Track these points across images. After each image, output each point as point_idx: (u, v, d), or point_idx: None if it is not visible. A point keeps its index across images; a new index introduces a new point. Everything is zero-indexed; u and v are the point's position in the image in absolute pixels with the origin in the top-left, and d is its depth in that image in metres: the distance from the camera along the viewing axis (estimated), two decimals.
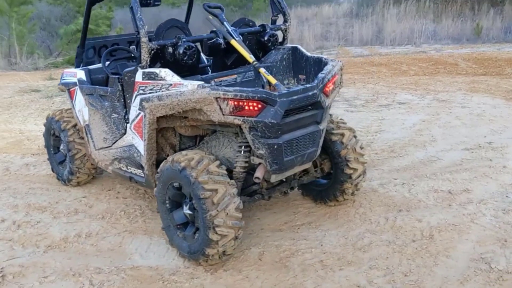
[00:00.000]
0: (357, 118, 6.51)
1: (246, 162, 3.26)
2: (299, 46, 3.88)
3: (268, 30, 3.87)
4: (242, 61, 3.86)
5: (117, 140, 3.80)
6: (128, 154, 3.73)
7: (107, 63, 4.03)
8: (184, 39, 3.37)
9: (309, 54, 3.79)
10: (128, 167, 3.84)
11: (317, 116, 3.21)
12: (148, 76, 3.22)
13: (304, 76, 3.84)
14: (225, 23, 3.65)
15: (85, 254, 3.41)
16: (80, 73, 4.21)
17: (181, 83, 3.05)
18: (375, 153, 5.15)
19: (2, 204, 4.30)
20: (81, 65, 4.44)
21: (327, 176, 3.88)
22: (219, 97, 2.91)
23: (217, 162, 3.13)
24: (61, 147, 4.66)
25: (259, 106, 2.91)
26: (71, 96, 4.34)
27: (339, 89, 3.53)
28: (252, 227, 3.72)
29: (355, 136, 3.75)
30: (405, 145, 5.37)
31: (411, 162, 4.87)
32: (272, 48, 3.91)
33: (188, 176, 3.02)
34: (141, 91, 3.29)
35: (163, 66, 3.37)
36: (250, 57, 3.49)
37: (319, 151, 3.37)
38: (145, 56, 3.23)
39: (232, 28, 3.67)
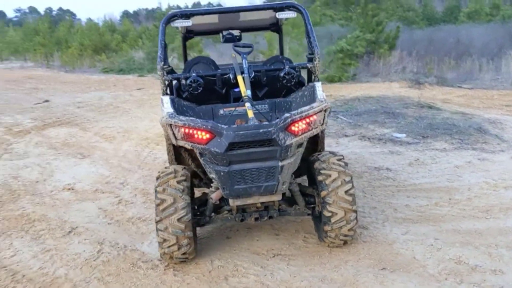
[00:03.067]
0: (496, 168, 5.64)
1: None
2: (317, 85, 3.96)
3: (285, 68, 4.08)
4: (276, 94, 4.22)
5: None
6: None
7: None
8: (194, 73, 3.99)
9: (318, 93, 3.85)
10: None
11: (275, 153, 3.38)
12: (161, 102, 3.99)
13: None
14: (244, 60, 4.07)
15: None
16: None
17: (164, 111, 3.71)
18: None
19: None
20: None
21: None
22: (171, 124, 3.47)
23: (182, 178, 3.66)
24: None
25: (208, 135, 3.34)
26: None
27: (319, 129, 3.54)
28: (230, 243, 4.06)
29: (346, 181, 3.64)
30: None
31: None
32: (289, 84, 4.10)
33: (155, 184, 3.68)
34: None
35: (194, 95, 4.06)
36: (244, 91, 3.84)
37: (282, 186, 3.49)
38: (162, 86, 4.00)
39: (249, 65, 4.06)
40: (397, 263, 3.59)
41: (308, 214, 3.90)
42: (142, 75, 17.96)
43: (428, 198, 4.82)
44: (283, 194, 3.81)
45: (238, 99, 4.53)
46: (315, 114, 3.49)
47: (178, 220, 3.50)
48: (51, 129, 9.29)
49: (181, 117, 3.45)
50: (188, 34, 5.12)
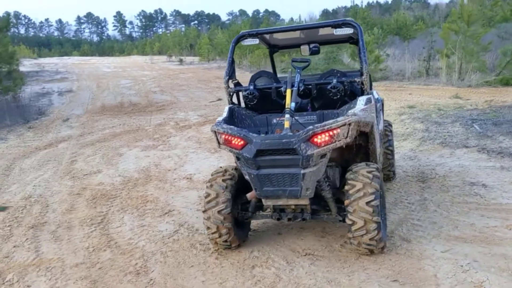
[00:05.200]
0: None
1: None
2: (360, 99, 4.15)
3: (333, 82, 4.32)
4: (331, 105, 4.54)
5: None
6: None
7: None
8: (251, 86, 4.56)
9: (356, 106, 4.04)
10: None
11: (297, 161, 3.78)
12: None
13: None
14: (297, 74, 4.46)
15: None
16: None
17: (218, 119, 4.36)
18: None
19: None
20: None
21: None
22: (215, 131, 4.11)
23: (228, 177, 4.28)
24: None
25: (242, 142, 3.94)
26: None
27: (343, 141, 3.77)
28: (278, 238, 4.52)
29: (369, 192, 3.80)
30: None
31: None
32: (334, 97, 4.33)
33: None
34: None
35: (260, 103, 4.64)
36: (288, 104, 4.23)
37: (306, 192, 3.85)
38: (227, 97, 4.66)
39: (302, 79, 4.43)
40: (413, 278, 3.63)
41: (340, 221, 4.14)
42: None
43: (503, 220, 4.52)
44: (317, 199, 4.15)
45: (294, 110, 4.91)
46: (339, 127, 3.76)
47: (219, 212, 4.15)
48: (208, 125, 10.71)
49: (224, 125, 4.08)
50: (273, 48, 5.67)
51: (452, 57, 15.80)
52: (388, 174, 5.80)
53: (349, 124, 3.78)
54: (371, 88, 5.71)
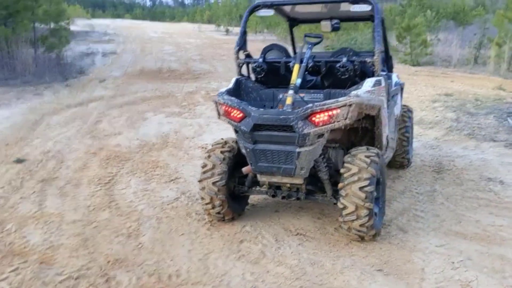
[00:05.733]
0: None
1: None
2: (368, 80, 3.98)
3: (342, 60, 4.15)
4: (342, 84, 4.37)
5: None
6: None
7: None
8: (260, 59, 4.45)
9: (362, 88, 3.88)
10: None
11: (293, 139, 3.69)
12: None
13: None
14: (308, 50, 4.30)
15: None
16: None
17: (221, 89, 4.29)
18: None
19: None
20: None
21: None
22: (216, 102, 4.05)
23: (227, 149, 4.23)
24: None
25: (241, 115, 3.87)
26: None
27: (342, 123, 3.64)
28: (274, 216, 4.48)
29: (364, 177, 3.67)
30: None
31: None
32: (343, 76, 4.16)
33: None
34: None
35: (269, 77, 4.55)
36: (294, 79, 4.10)
37: (300, 171, 3.76)
38: (236, 68, 4.58)
39: (312, 55, 4.28)
40: (399, 269, 3.52)
41: (334, 204, 4.03)
42: None
43: None
44: (314, 180, 4.06)
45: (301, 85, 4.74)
46: (338, 108, 3.63)
47: (213, 183, 4.13)
48: None
49: (225, 96, 4.02)
50: (293, 21, 5.50)
51: (504, 47, 15.01)
52: (402, 161, 5.60)
53: (350, 105, 3.64)
54: (391, 71, 5.49)
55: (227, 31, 36.22)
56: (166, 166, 6.01)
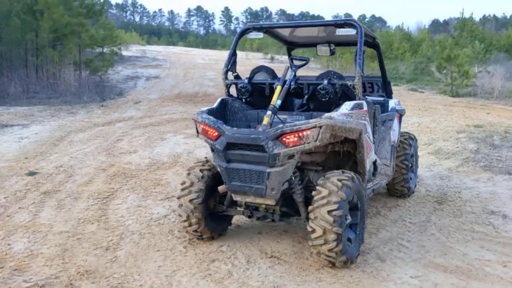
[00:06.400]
0: None
1: None
2: (346, 103, 3.94)
3: (323, 83, 4.11)
4: (326, 107, 4.34)
5: None
6: None
7: None
8: (246, 80, 4.49)
9: (339, 111, 3.82)
10: None
11: (264, 159, 3.68)
12: None
13: None
14: (291, 72, 4.31)
15: None
16: None
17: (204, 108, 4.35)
18: None
19: None
20: None
21: None
22: (195, 120, 4.10)
23: (207, 167, 4.26)
24: None
25: (216, 133, 3.91)
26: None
27: (312, 144, 3.59)
28: (254, 237, 4.43)
29: (333, 201, 3.58)
30: None
31: None
32: (323, 99, 4.12)
33: None
34: None
35: (255, 98, 4.60)
36: (274, 101, 4.10)
37: (271, 191, 3.73)
38: (225, 88, 4.64)
39: (297, 78, 4.28)
40: None
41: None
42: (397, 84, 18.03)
43: (502, 255, 4.05)
44: (290, 201, 4.00)
45: (289, 107, 4.72)
46: (308, 129, 3.60)
47: (190, 201, 4.15)
48: None
49: (204, 115, 4.07)
50: (290, 45, 5.52)
51: None
52: (401, 189, 5.43)
53: (320, 127, 3.60)
54: (390, 96, 5.40)
55: (272, 58, 36.69)
56: (167, 184, 6.09)
